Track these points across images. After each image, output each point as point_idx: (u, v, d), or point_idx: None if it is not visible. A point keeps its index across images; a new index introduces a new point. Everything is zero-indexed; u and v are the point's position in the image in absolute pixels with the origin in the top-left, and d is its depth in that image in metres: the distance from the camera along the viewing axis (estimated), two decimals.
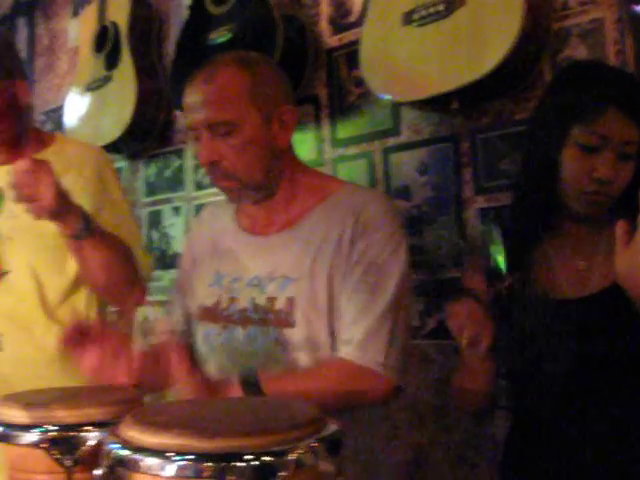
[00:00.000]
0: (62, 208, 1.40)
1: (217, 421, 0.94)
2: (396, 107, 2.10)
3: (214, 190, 2.48)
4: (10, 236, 1.62)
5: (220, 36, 2.26)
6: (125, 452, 0.86)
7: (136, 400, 1.14)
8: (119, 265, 1.57)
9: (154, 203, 2.73)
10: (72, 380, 1.56)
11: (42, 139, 1.68)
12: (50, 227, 1.53)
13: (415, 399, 2.05)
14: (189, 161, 2.62)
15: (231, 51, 1.54)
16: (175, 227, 2.63)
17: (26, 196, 1.37)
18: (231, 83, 1.41)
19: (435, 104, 1.96)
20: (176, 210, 2.65)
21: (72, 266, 1.61)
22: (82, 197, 1.53)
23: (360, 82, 2.16)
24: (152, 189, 2.71)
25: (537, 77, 1.87)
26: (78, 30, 3.14)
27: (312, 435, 0.90)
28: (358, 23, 2.21)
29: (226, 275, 1.53)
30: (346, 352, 1.35)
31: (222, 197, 1.60)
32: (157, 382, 1.41)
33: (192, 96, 1.43)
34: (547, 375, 1.37)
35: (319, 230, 1.44)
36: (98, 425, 1.06)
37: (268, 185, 1.47)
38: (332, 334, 1.39)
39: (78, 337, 1.29)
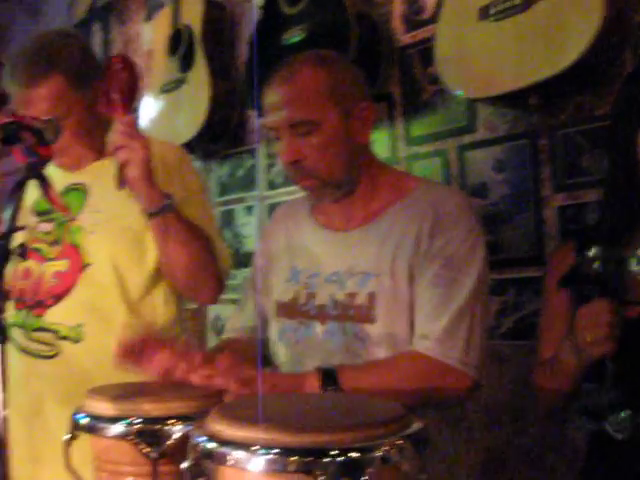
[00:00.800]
0: (149, 174, 1.43)
1: (303, 416, 0.95)
2: (471, 104, 2.07)
3: (286, 189, 2.50)
4: (93, 230, 1.65)
5: (294, 36, 2.27)
6: (212, 445, 0.87)
7: (219, 394, 1.15)
8: (199, 253, 1.58)
9: (227, 203, 2.76)
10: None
11: None
12: (130, 222, 1.56)
13: (490, 400, 2.01)
14: (262, 161, 2.64)
15: (307, 50, 1.55)
16: (248, 226, 2.66)
17: (122, 143, 1.41)
18: (310, 82, 1.42)
19: (512, 100, 1.93)
20: (249, 209, 2.67)
21: (152, 261, 1.64)
22: (167, 190, 1.54)
23: (434, 79, 2.14)
24: (225, 189, 2.74)
25: (619, 71, 1.81)
26: (152, 34, 3.20)
27: (398, 432, 0.89)
28: (432, 20, 2.18)
29: (303, 271, 1.53)
30: (425, 347, 1.34)
31: (294, 196, 1.63)
32: None
33: (272, 96, 1.44)
34: None
35: (398, 226, 1.44)
36: (183, 418, 1.07)
37: (348, 182, 1.48)
38: (412, 329, 1.39)
39: (135, 351, 1.31)
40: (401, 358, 1.37)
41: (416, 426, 0.93)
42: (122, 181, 1.44)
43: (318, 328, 1.47)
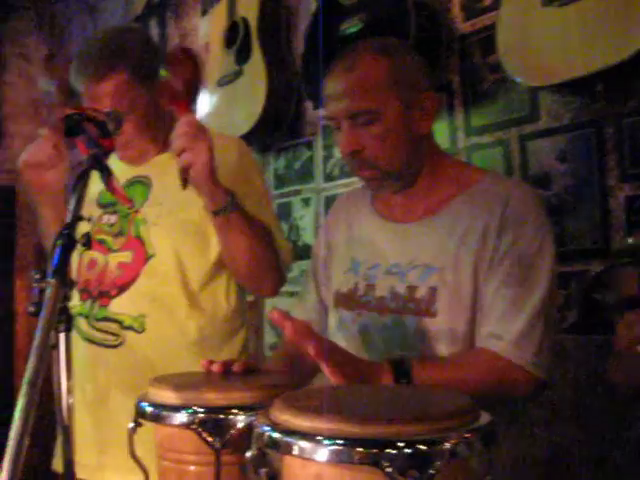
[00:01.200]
0: (213, 174, 1.43)
1: (369, 407, 0.93)
2: (534, 92, 2.02)
3: (344, 181, 2.49)
4: (155, 222, 1.67)
5: (351, 26, 2.25)
6: (277, 435, 0.86)
7: (283, 385, 1.15)
8: (261, 247, 1.59)
9: (283, 195, 2.76)
10: None
11: None
12: (193, 214, 1.57)
13: (552, 395, 1.97)
14: (319, 152, 2.63)
15: (369, 39, 1.53)
16: (305, 219, 2.65)
17: (184, 145, 1.41)
18: (371, 71, 1.40)
19: (576, 88, 1.87)
20: (306, 202, 2.66)
21: (213, 252, 1.65)
22: (226, 184, 1.54)
23: (495, 68, 2.09)
24: (282, 181, 2.74)
25: None
26: (208, 28, 3.22)
27: (467, 425, 0.87)
28: (492, 7, 2.14)
29: (363, 262, 1.52)
30: (499, 347, 1.31)
31: (351, 188, 1.61)
32: (303, 372, 1.42)
33: (332, 86, 1.43)
34: None
35: (463, 219, 1.41)
36: (246, 408, 1.07)
37: (409, 173, 1.46)
38: (473, 325, 1.36)
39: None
40: (475, 356, 1.34)
41: (485, 420, 0.91)
42: (185, 181, 1.44)
43: (377, 320, 1.45)
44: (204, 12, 3.45)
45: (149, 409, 1.12)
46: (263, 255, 1.60)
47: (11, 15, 5.11)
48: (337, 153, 2.54)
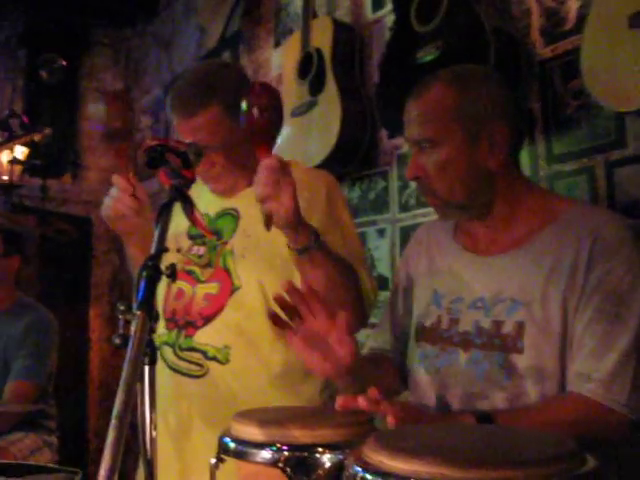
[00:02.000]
0: (296, 218, 1.41)
1: (469, 450, 0.88)
2: (620, 117, 1.94)
3: (420, 211, 2.45)
4: (242, 254, 1.66)
5: (428, 54, 2.22)
6: (371, 477, 0.82)
7: (367, 423, 1.11)
8: (343, 285, 1.55)
9: (358, 225, 2.70)
10: (294, 398, 1.59)
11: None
12: (279, 248, 1.56)
13: None
14: (394, 182, 2.59)
15: (447, 67, 1.50)
16: (380, 249, 2.61)
17: (266, 194, 1.38)
18: (436, 100, 1.41)
19: None
20: (380, 232, 2.63)
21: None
22: (312, 218, 1.53)
23: (578, 93, 2.03)
24: (356, 211, 2.71)
25: None
26: (281, 59, 3.25)
27: (572, 470, 0.82)
28: (574, 31, 2.08)
29: (446, 295, 1.48)
30: (587, 389, 1.25)
31: (427, 218, 1.58)
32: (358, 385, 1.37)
33: (405, 112, 1.46)
34: None
35: (551, 252, 1.35)
36: (333, 447, 1.03)
37: (477, 205, 1.43)
38: (562, 362, 1.30)
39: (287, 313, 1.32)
40: (561, 402, 1.28)
41: (591, 464, 0.85)
42: (269, 225, 1.42)
43: (461, 356, 1.40)
44: (277, 44, 3.48)
45: (232, 445, 1.09)
46: (345, 295, 1.56)
47: (88, 51, 5.28)
48: (413, 183, 2.50)
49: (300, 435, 1.05)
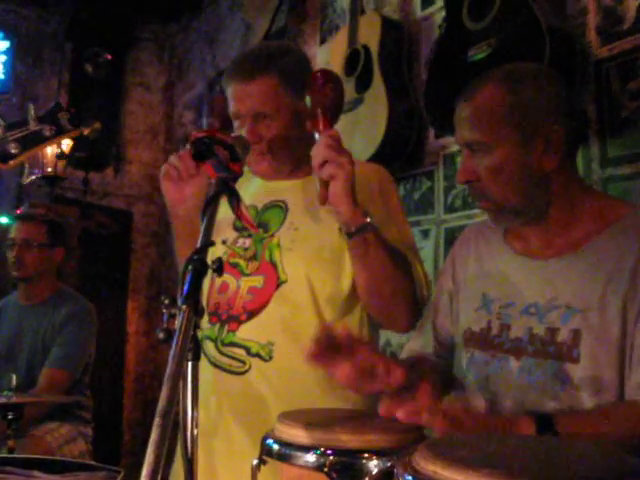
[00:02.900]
0: (352, 197, 1.38)
1: (528, 464, 0.83)
2: None
3: (466, 212, 2.39)
4: (289, 247, 1.62)
5: (479, 52, 2.17)
6: None
7: (418, 429, 1.06)
8: (397, 278, 1.50)
9: None
10: (341, 400, 1.53)
11: None
12: (328, 240, 1.52)
13: None
14: (440, 183, 2.54)
15: (500, 66, 1.45)
16: (424, 251, 2.56)
17: (327, 157, 1.36)
18: (487, 101, 1.35)
19: None
20: (425, 233, 2.58)
21: (347, 282, 1.58)
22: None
23: (635, 95, 1.96)
24: None
25: None
26: (327, 56, 3.21)
27: None
28: (632, 31, 2.01)
29: (495, 299, 1.42)
30: None
31: (473, 220, 1.54)
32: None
33: (456, 113, 1.40)
34: None
35: (609, 257, 1.29)
36: (382, 453, 0.99)
37: (532, 209, 1.37)
38: (620, 373, 1.24)
39: (327, 350, 1.23)
40: (625, 408, 1.22)
41: None
42: (325, 197, 1.39)
43: (512, 363, 1.35)
44: (322, 41, 3.45)
45: (276, 447, 1.06)
46: (399, 285, 1.51)
47: (133, 46, 5.30)
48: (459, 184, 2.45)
49: (347, 439, 1.01)
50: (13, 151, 1.50)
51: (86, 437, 3.00)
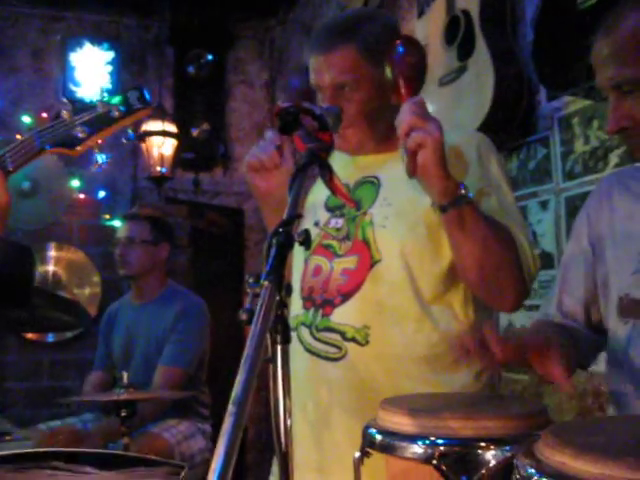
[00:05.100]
0: (443, 166, 1.26)
1: None
2: None
3: (588, 178, 2.18)
4: (383, 224, 1.52)
5: None
6: None
7: (543, 413, 0.91)
8: (499, 252, 1.36)
9: (518, 199, 2.43)
10: (442, 382, 1.42)
11: None
12: (423, 215, 1.40)
13: None
14: (556, 149, 2.32)
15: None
16: (543, 223, 2.35)
17: (413, 124, 1.25)
18: (633, 31, 1.16)
19: None
20: (543, 205, 2.37)
21: (446, 258, 1.45)
22: (463, 181, 1.37)
23: None
24: (515, 183, 2.45)
25: None
26: (426, 28, 3.05)
27: None
28: None
29: None
30: None
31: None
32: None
33: (595, 54, 1.23)
34: None
35: None
36: (500, 441, 0.85)
37: None
38: None
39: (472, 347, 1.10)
40: None
41: None
42: (413, 168, 1.27)
43: None
44: (420, 14, 3.29)
45: (379, 437, 0.94)
46: (501, 261, 1.37)
47: (233, 44, 5.32)
48: (578, 147, 2.23)
49: (459, 426, 0.88)
50: (80, 135, 1.47)
51: (205, 433, 3.00)
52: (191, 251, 4.83)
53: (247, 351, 0.78)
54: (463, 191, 1.29)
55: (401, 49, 1.40)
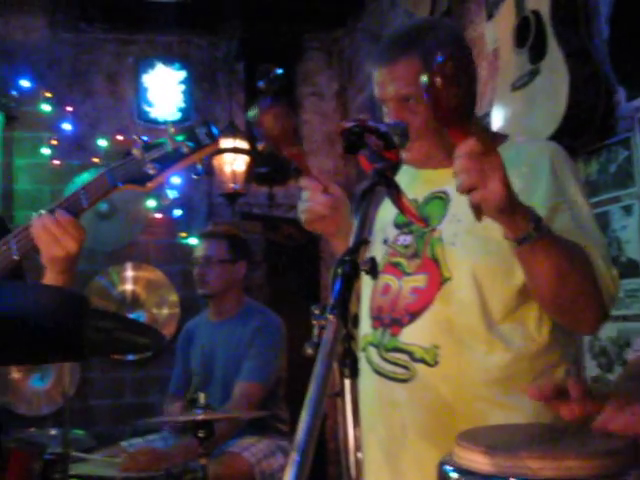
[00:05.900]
0: (510, 205, 1.18)
1: None
2: None
3: None
4: (452, 242, 1.47)
5: None
6: None
7: (631, 449, 0.85)
8: (573, 276, 1.29)
9: (599, 204, 2.34)
10: (515, 404, 1.36)
11: (492, 138, 1.51)
12: (495, 231, 1.34)
13: None
14: (639, 151, 2.22)
15: None
16: (627, 230, 2.24)
17: (470, 185, 1.17)
18: None
19: None
20: (626, 210, 2.26)
21: (519, 276, 1.38)
22: (534, 196, 1.33)
23: None
24: (595, 188, 2.35)
25: None
26: (495, 31, 2.97)
27: None
28: None
29: None
30: None
31: None
32: None
33: None
34: None
35: None
36: None
37: None
38: None
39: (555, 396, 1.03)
40: None
41: None
42: (479, 216, 1.21)
43: None
44: (489, 16, 3.21)
45: (454, 476, 0.89)
46: (578, 289, 1.30)
47: (302, 56, 5.33)
48: None
49: (538, 467, 0.82)
50: (151, 172, 1.50)
51: (285, 451, 2.98)
52: (266, 266, 4.85)
53: (310, 393, 0.75)
54: (535, 224, 1.21)
55: (435, 79, 1.18)
